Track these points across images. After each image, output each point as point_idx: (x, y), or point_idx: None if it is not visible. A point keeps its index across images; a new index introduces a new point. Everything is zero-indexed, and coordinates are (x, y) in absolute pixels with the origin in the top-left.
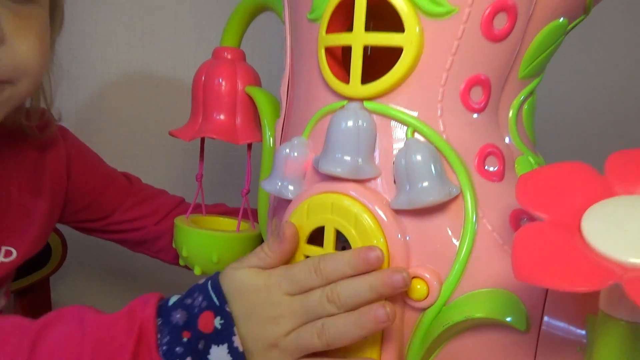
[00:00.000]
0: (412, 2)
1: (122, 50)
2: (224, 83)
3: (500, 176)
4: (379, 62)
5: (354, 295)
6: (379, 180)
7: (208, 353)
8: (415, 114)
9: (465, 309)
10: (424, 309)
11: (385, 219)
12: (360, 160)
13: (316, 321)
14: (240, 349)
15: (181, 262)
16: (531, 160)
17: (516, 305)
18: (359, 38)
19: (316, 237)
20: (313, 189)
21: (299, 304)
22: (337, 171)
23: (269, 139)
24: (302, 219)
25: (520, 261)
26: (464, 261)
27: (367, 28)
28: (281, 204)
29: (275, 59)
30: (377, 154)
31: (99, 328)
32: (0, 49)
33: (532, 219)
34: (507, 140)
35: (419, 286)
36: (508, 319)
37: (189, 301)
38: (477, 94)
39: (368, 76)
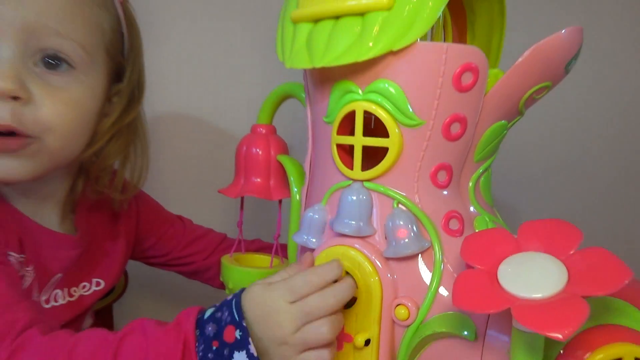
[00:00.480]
0: (393, 117)
1: (175, 98)
2: (260, 152)
3: (460, 233)
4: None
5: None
6: (375, 236)
7: (232, 357)
8: (398, 191)
9: (434, 326)
10: (407, 326)
11: (379, 264)
12: (362, 223)
13: (315, 322)
14: (255, 354)
15: (227, 292)
16: (487, 219)
17: (468, 323)
18: (359, 140)
19: None
20: (329, 242)
21: (298, 309)
22: (346, 231)
23: (297, 196)
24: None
25: (457, 295)
26: (433, 293)
27: (365, 132)
28: (305, 251)
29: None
30: (373, 218)
31: (157, 338)
32: (25, 108)
33: (469, 266)
34: (468, 206)
35: (402, 311)
36: (465, 333)
37: (218, 315)
38: (442, 175)
39: (373, 157)
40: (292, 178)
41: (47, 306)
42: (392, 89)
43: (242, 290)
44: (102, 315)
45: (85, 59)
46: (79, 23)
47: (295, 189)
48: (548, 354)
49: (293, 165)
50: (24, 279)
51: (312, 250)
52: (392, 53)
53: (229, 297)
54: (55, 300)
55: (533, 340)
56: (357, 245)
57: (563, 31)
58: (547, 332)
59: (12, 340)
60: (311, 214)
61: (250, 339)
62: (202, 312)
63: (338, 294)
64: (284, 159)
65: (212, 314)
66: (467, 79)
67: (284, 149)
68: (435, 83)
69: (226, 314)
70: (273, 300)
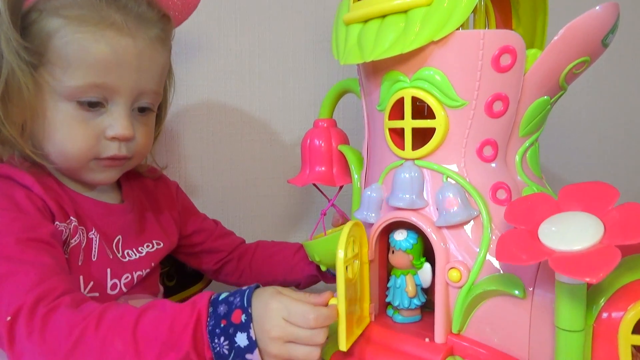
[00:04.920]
0: (439, 100)
1: (233, 104)
2: (322, 144)
3: (508, 202)
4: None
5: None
6: (427, 208)
7: (235, 336)
8: (447, 166)
9: (484, 285)
10: (459, 287)
11: (432, 233)
12: (414, 196)
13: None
14: (254, 337)
15: (323, 268)
16: (534, 189)
17: (517, 282)
18: (408, 123)
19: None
20: (386, 216)
21: (289, 331)
22: (400, 204)
23: (357, 182)
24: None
25: (499, 250)
26: (483, 256)
27: (414, 115)
28: (367, 225)
29: (357, 122)
30: (425, 192)
31: (175, 311)
32: (131, 143)
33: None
34: (516, 178)
35: (455, 274)
36: (516, 292)
37: (231, 299)
38: (488, 150)
39: (423, 138)
40: (353, 165)
41: (124, 260)
42: (436, 75)
43: (257, 285)
44: None
45: (159, 100)
46: (163, 76)
47: (356, 176)
48: (592, 306)
49: (353, 153)
50: (82, 239)
51: (371, 224)
52: (433, 43)
53: (244, 288)
54: (130, 256)
55: (575, 291)
56: (413, 218)
57: (597, 7)
58: (580, 277)
59: (50, 301)
60: (369, 192)
61: (252, 325)
62: (217, 295)
63: (320, 340)
64: (344, 149)
65: (226, 297)
66: (506, 60)
67: (345, 140)
68: (475, 66)
69: (237, 299)
70: (272, 309)
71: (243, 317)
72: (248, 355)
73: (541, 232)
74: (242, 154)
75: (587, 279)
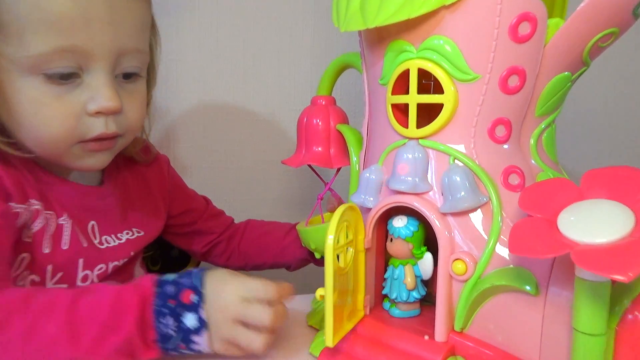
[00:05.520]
0: (448, 73)
1: (225, 87)
2: (320, 123)
3: (521, 188)
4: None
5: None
6: (431, 193)
7: (183, 316)
8: (455, 147)
9: (492, 279)
10: (464, 281)
11: (435, 220)
12: (417, 179)
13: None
14: (205, 318)
15: (317, 255)
16: (550, 174)
17: (529, 277)
18: (413, 98)
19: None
20: (386, 200)
21: (245, 308)
22: (402, 187)
23: (355, 164)
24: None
25: (513, 241)
26: (492, 247)
27: (419, 90)
28: (364, 210)
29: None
30: (430, 175)
31: (116, 292)
32: (120, 116)
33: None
34: (530, 162)
35: (460, 265)
36: (527, 288)
37: (180, 280)
38: (500, 130)
39: (429, 116)
40: (352, 146)
41: (102, 247)
42: (446, 45)
43: (204, 269)
44: None
45: (146, 61)
46: (146, 32)
47: (355, 158)
48: (615, 307)
49: (352, 133)
50: (48, 225)
51: (369, 209)
52: (444, 8)
53: (192, 270)
54: (108, 243)
55: (597, 289)
56: (415, 203)
57: None
58: (609, 274)
59: None
60: (368, 174)
61: (203, 305)
62: (162, 276)
63: (270, 320)
64: (343, 128)
65: (175, 279)
66: (525, 29)
67: (344, 119)
68: (490, 35)
69: (188, 280)
70: (229, 287)
71: (194, 298)
72: (195, 337)
73: (561, 222)
74: (235, 133)
75: (616, 277)
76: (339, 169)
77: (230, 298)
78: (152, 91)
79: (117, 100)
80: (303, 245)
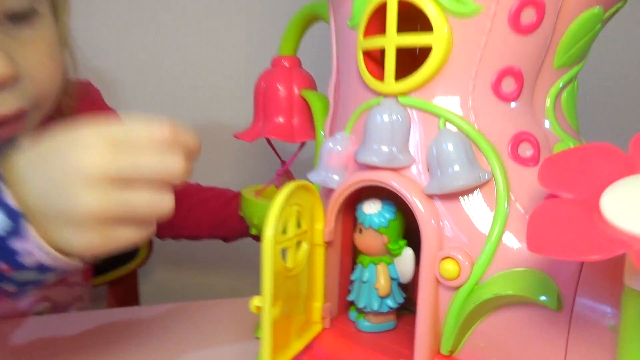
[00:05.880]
0: (439, 4)
1: (183, 56)
2: (281, 89)
3: (535, 161)
4: (421, 54)
5: None
6: (413, 168)
7: None
8: (446, 106)
9: (495, 287)
10: (457, 287)
11: (419, 204)
12: (394, 149)
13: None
14: (16, 207)
15: (254, 232)
16: (571, 145)
17: (548, 285)
18: (392, 40)
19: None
20: (353, 178)
21: (123, 159)
22: (374, 160)
23: (322, 138)
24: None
25: (532, 235)
26: (495, 242)
27: (400, 30)
28: (327, 192)
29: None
30: (411, 144)
31: None
32: (20, 84)
33: (553, 197)
34: (544, 128)
35: (450, 266)
36: (542, 298)
37: None
38: (509, 85)
39: (412, 67)
40: (318, 116)
41: None
42: None
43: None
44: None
45: None
46: None
47: (322, 132)
48: None
49: (319, 100)
50: None
51: (332, 191)
52: None
53: None
54: None
55: None
56: (392, 182)
57: None
58: None
59: None
60: (331, 144)
61: (6, 191)
62: None
63: (178, 166)
64: (308, 94)
65: None
66: None
67: (310, 83)
68: None
69: None
70: (80, 136)
71: None
72: (16, 244)
73: (607, 206)
74: (185, 103)
75: None
76: (302, 144)
77: (91, 150)
78: (67, 37)
79: (5, 65)
80: (241, 214)
